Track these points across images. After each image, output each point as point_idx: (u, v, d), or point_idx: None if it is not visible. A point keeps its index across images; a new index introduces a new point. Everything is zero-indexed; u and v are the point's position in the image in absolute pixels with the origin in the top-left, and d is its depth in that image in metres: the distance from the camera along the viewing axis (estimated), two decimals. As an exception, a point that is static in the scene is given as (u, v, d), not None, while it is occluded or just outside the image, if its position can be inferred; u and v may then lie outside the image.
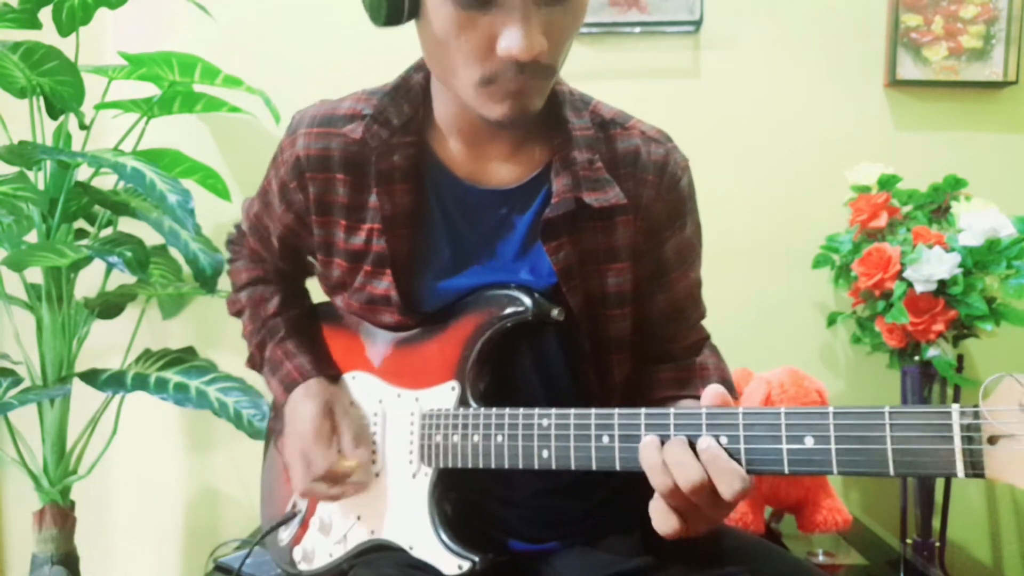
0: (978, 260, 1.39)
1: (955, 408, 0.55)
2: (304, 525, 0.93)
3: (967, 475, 0.54)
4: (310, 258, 1.00)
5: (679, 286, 0.89)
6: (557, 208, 0.80)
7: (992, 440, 0.53)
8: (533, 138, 0.85)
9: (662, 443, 0.66)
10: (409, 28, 0.77)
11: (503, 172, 0.85)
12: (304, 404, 0.89)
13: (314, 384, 0.91)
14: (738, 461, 0.64)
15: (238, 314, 1.04)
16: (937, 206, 1.52)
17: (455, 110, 0.82)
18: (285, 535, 0.96)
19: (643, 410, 0.69)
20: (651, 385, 0.90)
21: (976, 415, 0.54)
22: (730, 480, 0.63)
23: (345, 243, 0.87)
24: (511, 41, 0.68)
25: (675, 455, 0.65)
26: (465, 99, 0.75)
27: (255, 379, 0.98)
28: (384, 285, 0.85)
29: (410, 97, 0.85)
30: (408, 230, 0.85)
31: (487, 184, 0.85)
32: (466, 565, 0.78)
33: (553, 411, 0.74)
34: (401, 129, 0.84)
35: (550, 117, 0.84)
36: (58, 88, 1.46)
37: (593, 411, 0.71)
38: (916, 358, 1.47)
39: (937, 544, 1.51)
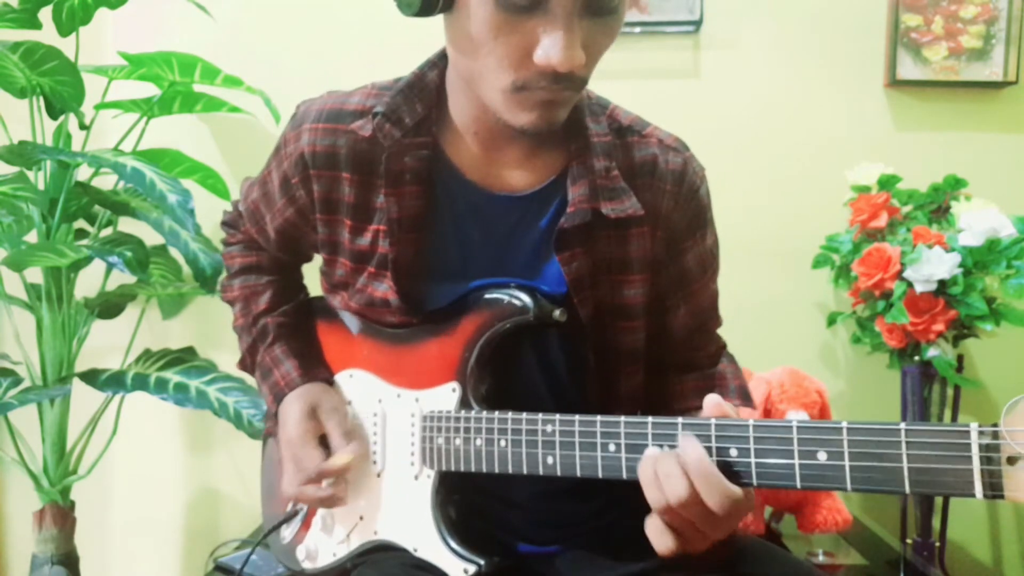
0: (978, 260, 1.40)
1: (973, 427, 0.54)
2: (306, 524, 0.93)
3: (985, 496, 0.53)
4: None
5: (701, 296, 0.89)
6: (573, 218, 0.78)
7: (1011, 461, 0.52)
8: (550, 143, 0.82)
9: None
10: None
11: (517, 177, 0.82)
12: (289, 410, 0.88)
13: (299, 390, 0.90)
14: (748, 474, 0.63)
15: (231, 302, 1.01)
16: (937, 206, 1.52)
17: (474, 112, 0.79)
18: (287, 533, 0.95)
19: (650, 419, 0.68)
20: (676, 395, 0.89)
21: (995, 435, 0.53)
22: (714, 494, 0.62)
23: (351, 243, 0.85)
24: (551, 50, 0.65)
25: (665, 467, 0.64)
26: (490, 103, 0.72)
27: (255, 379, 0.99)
28: (383, 288, 0.83)
29: (424, 96, 0.82)
30: (415, 235, 0.82)
31: (500, 189, 0.82)
32: (472, 569, 0.77)
33: (557, 417, 0.73)
34: (413, 129, 0.80)
35: (568, 122, 0.81)
36: (58, 88, 1.46)
37: (599, 418, 0.70)
38: (916, 358, 1.47)
39: (937, 544, 1.52)
